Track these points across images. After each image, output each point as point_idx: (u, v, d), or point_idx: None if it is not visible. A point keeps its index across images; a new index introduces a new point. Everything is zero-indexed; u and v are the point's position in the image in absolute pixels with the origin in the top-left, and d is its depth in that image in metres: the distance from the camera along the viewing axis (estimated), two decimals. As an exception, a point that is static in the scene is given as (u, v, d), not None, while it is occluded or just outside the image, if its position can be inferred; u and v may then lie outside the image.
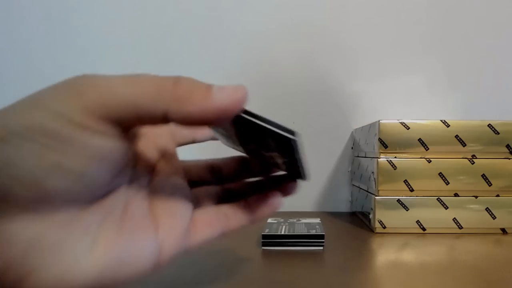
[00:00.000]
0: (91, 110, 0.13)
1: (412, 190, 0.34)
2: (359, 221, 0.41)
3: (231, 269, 0.25)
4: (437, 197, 0.34)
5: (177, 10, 0.45)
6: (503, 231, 0.34)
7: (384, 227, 0.35)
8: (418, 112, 0.46)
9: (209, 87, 0.14)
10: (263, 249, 0.29)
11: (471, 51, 0.45)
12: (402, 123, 0.34)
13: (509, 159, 0.34)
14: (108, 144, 0.13)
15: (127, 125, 0.14)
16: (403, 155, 0.34)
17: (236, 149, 0.19)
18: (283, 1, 0.46)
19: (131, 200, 0.16)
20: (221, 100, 0.14)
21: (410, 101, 0.46)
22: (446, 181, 0.34)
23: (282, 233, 0.29)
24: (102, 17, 0.47)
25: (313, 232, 0.30)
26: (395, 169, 0.34)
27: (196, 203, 0.19)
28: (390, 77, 0.46)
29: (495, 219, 0.34)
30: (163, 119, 0.14)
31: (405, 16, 0.45)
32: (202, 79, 0.14)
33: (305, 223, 0.33)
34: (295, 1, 0.45)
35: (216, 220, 0.18)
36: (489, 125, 0.34)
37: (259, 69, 0.45)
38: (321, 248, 0.29)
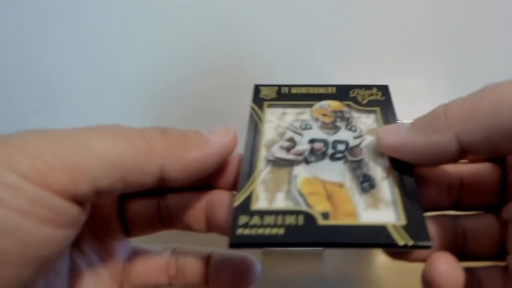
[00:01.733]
0: (57, 181, 0.09)
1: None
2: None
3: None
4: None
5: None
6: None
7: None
8: (418, 112, 0.46)
9: (198, 131, 0.13)
10: (263, 249, 0.29)
11: (472, 51, 0.45)
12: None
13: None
14: (60, 234, 0.10)
15: (98, 198, 0.11)
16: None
17: None
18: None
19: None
20: (218, 141, 0.13)
21: (410, 101, 0.46)
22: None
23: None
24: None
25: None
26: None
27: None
28: (390, 78, 0.46)
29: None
30: (157, 179, 0.11)
31: (405, 16, 0.45)
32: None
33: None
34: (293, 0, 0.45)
35: (165, 270, 0.15)
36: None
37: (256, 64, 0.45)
38: (321, 248, 0.29)
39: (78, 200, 0.10)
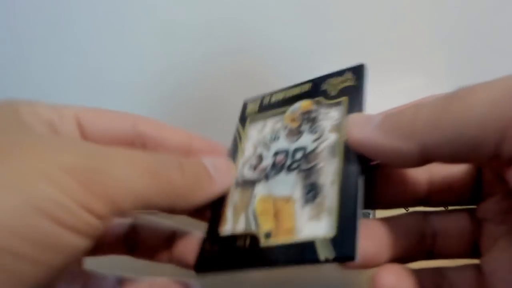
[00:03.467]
0: (92, 201, 0.10)
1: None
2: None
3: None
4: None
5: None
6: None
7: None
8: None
9: (205, 166, 0.13)
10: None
11: (472, 51, 0.45)
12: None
13: None
14: (82, 245, 0.10)
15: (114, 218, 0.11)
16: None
17: None
18: None
19: None
20: (223, 183, 0.13)
21: (410, 101, 0.46)
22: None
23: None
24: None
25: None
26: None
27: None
28: (390, 78, 0.46)
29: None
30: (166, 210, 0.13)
31: (405, 16, 0.45)
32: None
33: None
34: None
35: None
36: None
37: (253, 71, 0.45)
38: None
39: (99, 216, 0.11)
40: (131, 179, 0.11)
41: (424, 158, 0.11)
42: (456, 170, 0.13)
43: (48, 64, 0.43)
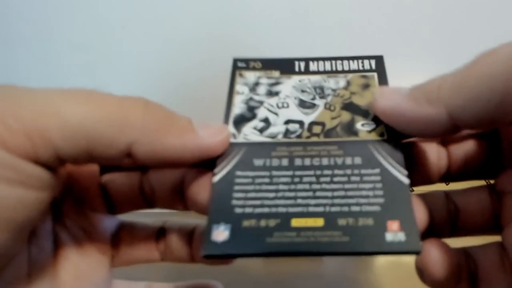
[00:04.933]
0: (17, 145, 0.09)
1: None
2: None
3: (230, 268, 0.25)
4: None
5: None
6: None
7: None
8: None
9: (189, 119, 0.11)
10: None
11: (472, 51, 0.45)
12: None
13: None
14: (29, 199, 0.10)
15: (61, 165, 0.10)
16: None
17: None
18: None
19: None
20: (207, 137, 0.11)
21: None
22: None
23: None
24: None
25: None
26: (395, 169, 0.34)
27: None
28: (390, 77, 0.46)
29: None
30: (125, 155, 0.10)
31: (406, 16, 0.45)
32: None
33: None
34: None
35: (155, 246, 0.15)
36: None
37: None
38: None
39: (42, 164, 0.10)
40: (69, 112, 0.10)
41: (452, 123, 0.11)
42: (474, 144, 0.13)
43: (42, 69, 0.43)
